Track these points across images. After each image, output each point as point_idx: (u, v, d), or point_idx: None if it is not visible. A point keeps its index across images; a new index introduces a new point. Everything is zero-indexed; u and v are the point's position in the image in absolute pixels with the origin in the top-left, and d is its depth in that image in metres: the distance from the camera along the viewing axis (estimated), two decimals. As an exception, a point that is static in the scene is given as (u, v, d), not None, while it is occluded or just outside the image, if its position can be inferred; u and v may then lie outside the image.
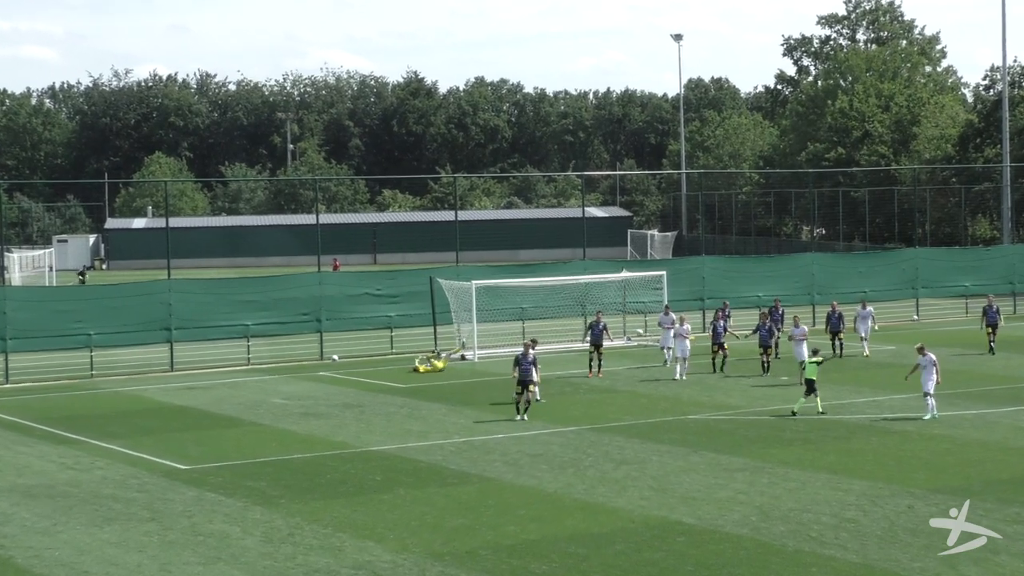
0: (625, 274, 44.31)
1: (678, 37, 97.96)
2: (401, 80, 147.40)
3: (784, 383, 32.76)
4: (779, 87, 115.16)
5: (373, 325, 42.03)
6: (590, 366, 35.22)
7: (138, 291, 39.56)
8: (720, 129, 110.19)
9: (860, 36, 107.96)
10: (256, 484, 22.14)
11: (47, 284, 69.70)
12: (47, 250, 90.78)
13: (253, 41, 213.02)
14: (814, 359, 28.38)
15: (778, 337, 35.71)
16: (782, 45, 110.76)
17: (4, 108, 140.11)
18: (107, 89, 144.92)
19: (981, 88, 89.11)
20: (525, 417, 27.81)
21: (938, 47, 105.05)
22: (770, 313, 36.80)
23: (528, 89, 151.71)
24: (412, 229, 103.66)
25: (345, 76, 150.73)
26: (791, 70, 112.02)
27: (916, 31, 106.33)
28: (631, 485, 21.52)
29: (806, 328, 33.85)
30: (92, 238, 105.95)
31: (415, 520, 19.47)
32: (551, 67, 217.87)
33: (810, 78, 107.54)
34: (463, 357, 39.02)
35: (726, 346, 35.26)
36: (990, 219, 76.03)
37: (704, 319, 44.94)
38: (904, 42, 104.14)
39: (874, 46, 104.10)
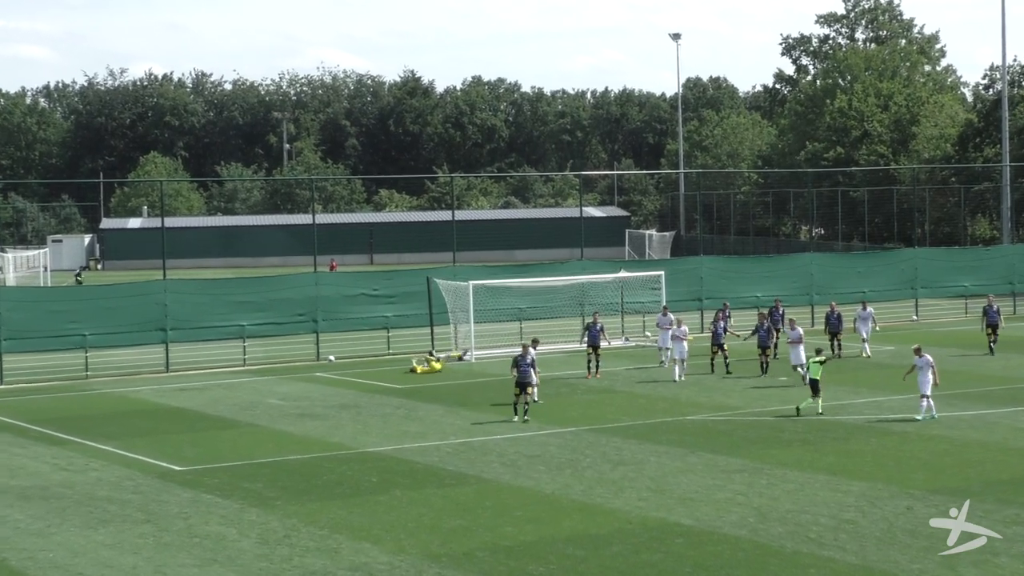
0: (623, 274, 44.21)
1: (676, 36, 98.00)
2: (398, 79, 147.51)
3: (783, 384, 32.69)
4: (778, 86, 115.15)
5: (370, 326, 41.95)
6: (588, 367, 35.13)
7: (133, 291, 39.51)
8: (718, 129, 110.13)
9: (859, 35, 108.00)
10: (252, 486, 22.09)
11: (42, 284, 69.48)
12: (42, 250, 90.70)
13: (249, 40, 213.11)
14: (818, 359, 28.33)
15: (777, 338, 35.60)
16: (781, 44, 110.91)
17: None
18: (102, 88, 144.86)
19: (980, 87, 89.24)
20: (527, 419, 27.67)
21: (937, 46, 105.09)
22: (770, 313, 36.68)
23: (525, 88, 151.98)
24: (409, 229, 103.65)
25: (342, 75, 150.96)
26: (790, 69, 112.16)
27: (915, 30, 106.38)
28: (629, 486, 21.48)
29: (802, 331, 33.73)
30: (87, 238, 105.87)
31: (412, 521, 19.43)
32: (549, 66, 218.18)
33: (809, 77, 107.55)
34: (460, 358, 38.89)
35: (726, 347, 35.12)
36: (990, 219, 75.96)
37: (703, 319, 44.91)
38: (903, 41, 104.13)
39: (873, 45, 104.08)
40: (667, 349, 35.62)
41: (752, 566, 16.84)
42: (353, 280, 43.28)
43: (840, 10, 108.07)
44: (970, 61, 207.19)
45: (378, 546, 18.10)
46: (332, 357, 40.13)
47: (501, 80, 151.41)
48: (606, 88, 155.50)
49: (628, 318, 44.66)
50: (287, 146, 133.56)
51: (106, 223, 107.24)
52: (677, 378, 33.59)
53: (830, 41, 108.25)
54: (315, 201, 67.64)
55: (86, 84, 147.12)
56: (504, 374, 34.38)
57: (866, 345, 38.08)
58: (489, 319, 41.41)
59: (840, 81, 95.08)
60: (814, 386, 27.88)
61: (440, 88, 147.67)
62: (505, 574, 16.81)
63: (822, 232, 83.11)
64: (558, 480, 22.09)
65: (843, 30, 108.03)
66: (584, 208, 76.68)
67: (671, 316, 36.17)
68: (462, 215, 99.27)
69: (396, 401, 31.58)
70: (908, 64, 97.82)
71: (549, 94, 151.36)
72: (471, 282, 40.19)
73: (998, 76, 78.21)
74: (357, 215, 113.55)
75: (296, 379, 36.08)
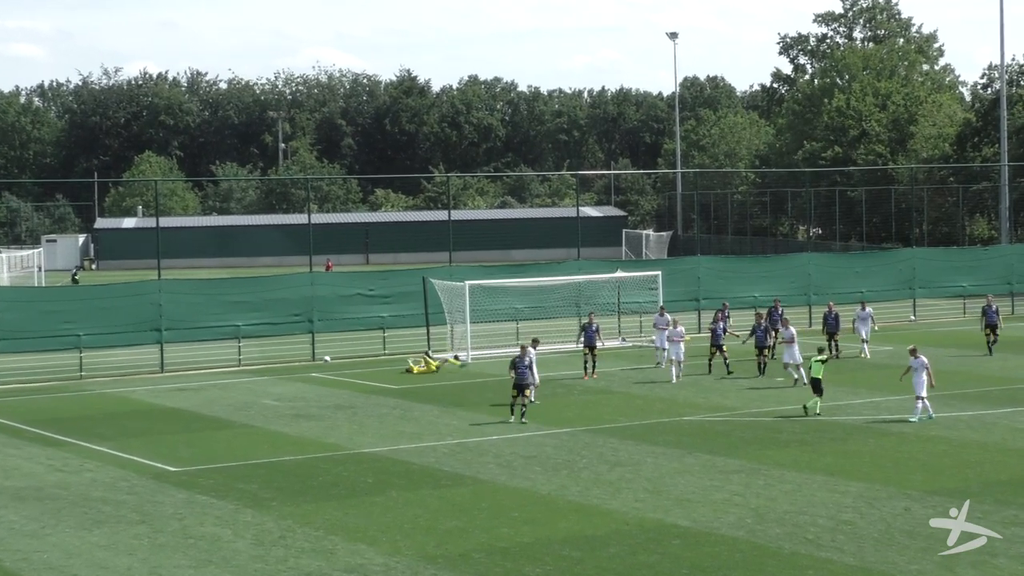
0: (620, 274, 44.13)
1: (674, 35, 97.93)
2: (394, 78, 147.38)
3: (780, 384, 32.63)
4: (775, 85, 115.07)
5: (365, 326, 41.87)
6: (584, 368, 35.04)
7: (128, 291, 39.43)
8: (716, 128, 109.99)
9: (857, 34, 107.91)
10: (247, 486, 22.04)
11: (36, 284, 69.33)
12: (36, 250, 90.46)
13: (244, 39, 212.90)
14: (819, 357, 28.30)
15: (776, 338, 35.52)
16: (778, 43, 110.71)
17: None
18: (96, 87, 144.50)
19: (979, 86, 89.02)
20: (524, 420, 27.57)
21: (936, 45, 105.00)
22: (770, 313, 36.63)
23: (522, 87, 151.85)
24: (405, 229, 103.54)
25: (337, 74, 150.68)
26: (787, 68, 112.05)
27: (913, 29, 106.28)
28: (626, 487, 21.44)
29: (795, 331, 33.64)
30: (81, 238, 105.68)
31: (408, 522, 19.39)
32: (545, 65, 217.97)
33: (806, 76, 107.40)
34: (456, 358, 38.79)
35: (725, 348, 35.02)
36: (988, 219, 75.89)
37: (700, 320, 44.87)
38: (901, 40, 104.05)
39: (871, 44, 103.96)
40: (664, 350, 35.52)
41: (750, 567, 16.80)
42: (349, 280, 43.20)
43: (838, 9, 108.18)
44: (968, 60, 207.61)
45: (374, 547, 18.05)
46: (328, 357, 40.04)
47: (497, 79, 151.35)
48: (603, 87, 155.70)
49: (625, 318, 44.58)
50: (282, 145, 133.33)
51: (100, 223, 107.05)
52: (674, 379, 33.49)
53: (828, 40, 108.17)
54: (311, 201, 67.63)
55: (80, 83, 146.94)
56: (500, 374, 34.33)
57: (865, 346, 37.97)
58: (485, 319, 41.31)
59: (838, 80, 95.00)
60: (816, 385, 27.79)
61: (436, 87, 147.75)
62: (501, 575, 16.72)
63: (820, 232, 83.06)
64: (554, 481, 22.04)
65: (841, 29, 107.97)
66: (581, 208, 76.51)
67: (668, 317, 36.09)
68: (458, 215, 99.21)
69: (392, 402, 31.51)
70: (906, 63, 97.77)
71: (546, 93, 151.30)
72: (467, 282, 40.10)
73: (996, 75, 78.18)
74: (353, 215, 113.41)
75: (292, 379, 36.02)
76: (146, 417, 30.21)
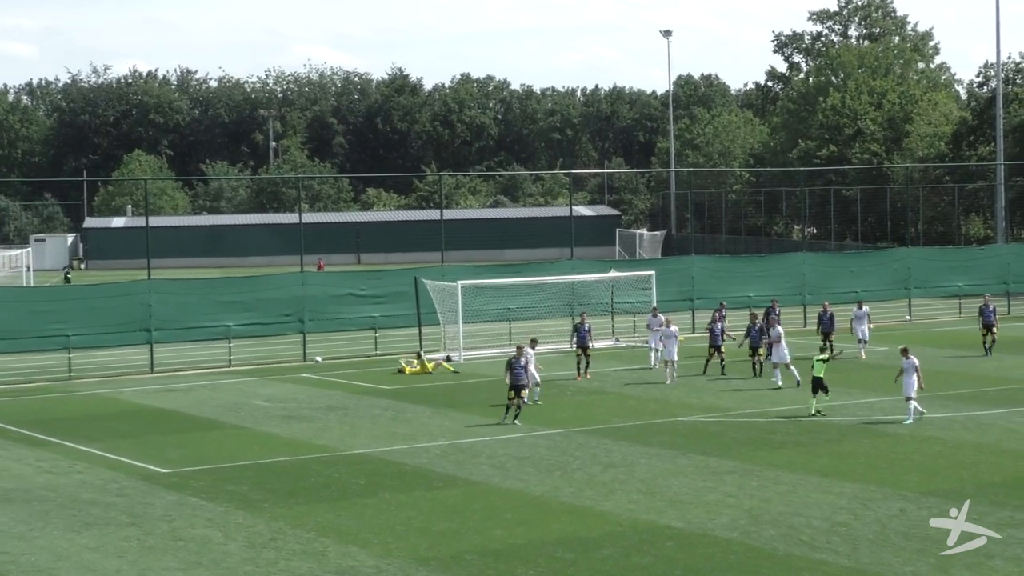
0: (613, 274, 44.03)
1: (667, 33, 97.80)
2: (386, 76, 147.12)
3: (774, 385, 32.45)
4: (770, 84, 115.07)
5: (357, 326, 41.75)
6: (577, 368, 34.92)
7: (117, 291, 39.33)
8: (710, 127, 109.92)
9: (852, 32, 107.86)
10: (238, 488, 21.96)
11: (24, 284, 69.08)
12: (24, 250, 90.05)
13: (235, 37, 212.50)
14: (821, 356, 28.29)
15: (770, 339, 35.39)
16: (773, 41, 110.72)
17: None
18: (86, 85, 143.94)
19: (975, 85, 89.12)
20: (517, 423, 27.45)
21: (931, 43, 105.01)
22: (767, 313, 36.51)
23: (515, 86, 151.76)
24: (397, 228, 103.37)
25: (328, 72, 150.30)
26: (782, 67, 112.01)
27: (909, 27, 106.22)
28: (619, 488, 21.38)
29: (782, 330, 33.55)
30: (70, 237, 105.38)
31: (400, 524, 19.31)
32: (538, 63, 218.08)
33: (801, 75, 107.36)
34: (448, 359, 38.65)
35: (723, 349, 34.90)
36: (984, 218, 75.92)
37: (694, 320, 44.79)
38: (897, 38, 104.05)
39: (866, 42, 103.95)
40: (657, 351, 35.37)
41: (744, 569, 16.76)
42: (340, 280, 43.09)
43: (833, 7, 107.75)
44: (964, 58, 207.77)
45: (365, 549, 17.98)
46: (319, 358, 39.92)
47: (490, 77, 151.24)
48: (596, 86, 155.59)
49: (618, 318, 44.49)
50: (273, 144, 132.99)
51: (90, 222, 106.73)
52: (668, 380, 33.37)
53: (823, 38, 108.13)
54: (302, 200, 67.36)
55: (69, 81, 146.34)
56: (493, 375, 34.23)
57: (861, 347, 37.74)
58: (478, 319, 41.21)
59: (833, 79, 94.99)
60: (818, 384, 27.70)
61: (428, 85, 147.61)
62: (494, 578, 16.71)
63: (814, 231, 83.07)
64: (547, 482, 21.97)
65: (836, 27, 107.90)
66: (574, 207, 76.55)
67: (661, 317, 35.97)
68: (450, 214, 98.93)
69: (384, 402, 31.41)
70: (901, 61, 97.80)
71: (539, 92, 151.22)
72: (459, 282, 40.01)
73: (992, 74, 77.94)
74: (344, 214, 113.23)
75: (283, 380, 35.89)
76: (136, 418, 30.10)
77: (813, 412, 27.92)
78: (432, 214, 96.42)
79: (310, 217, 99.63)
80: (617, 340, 42.72)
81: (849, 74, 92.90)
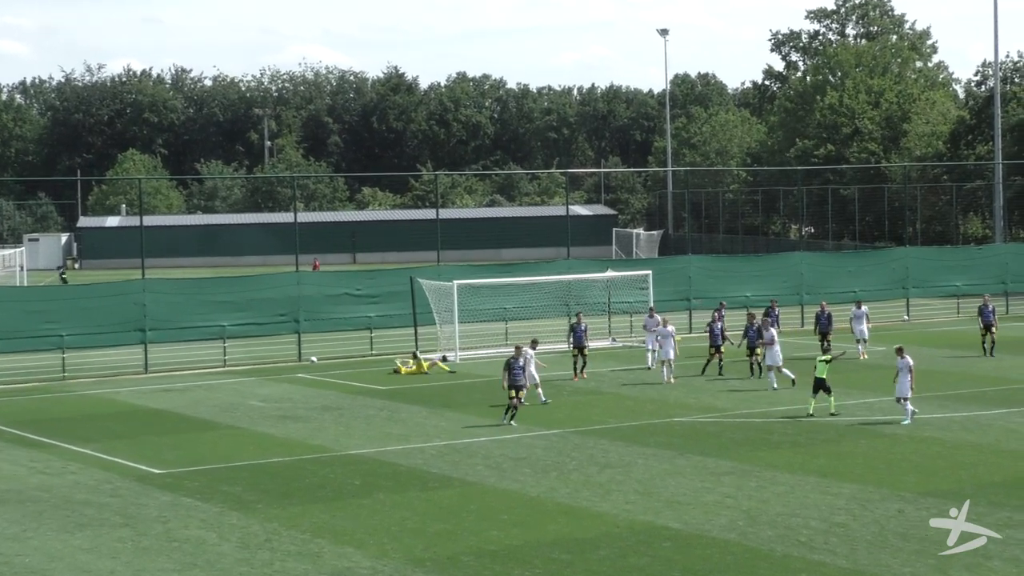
0: (610, 274, 43.93)
1: (664, 31, 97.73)
2: (381, 75, 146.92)
3: (771, 387, 32.29)
4: (767, 83, 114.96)
5: (352, 326, 41.63)
6: (574, 368, 34.81)
7: (111, 291, 39.20)
8: (707, 126, 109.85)
9: (849, 31, 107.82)
10: (232, 489, 21.91)
11: (18, 284, 68.89)
12: (18, 249, 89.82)
13: (229, 35, 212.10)
14: (824, 357, 28.25)
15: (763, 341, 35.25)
16: (770, 40, 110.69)
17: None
18: (79, 84, 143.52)
19: (973, 84, 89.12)
20: (513, 423, 27.36)
21: (929, 42, 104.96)
22: (767, 314, 36.42)
23: (511, 85, 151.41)
24: (392, 228, 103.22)
25: (324, 71, 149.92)
26: (779, 65, 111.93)
27: (906, 26, 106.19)
28: (616, 489, 21.32)
29: (775, 332, 33.41)
30: (64, 237, 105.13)
31: (395, 525, 19.26)
32: (534, 62, 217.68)
33: (799, 74, 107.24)
34: (444, 359, 38.55)
35: (723, 349, 34.78)
36: (982, 217, 75.83)
37: (691, 320, 44.72)
38: (894, 37, 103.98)
39: (864, 41, 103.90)
40: (654, 351, 35.26)
41: (741, 570, 16.73)
42: (336, 280, 42.99)
43: (830, 5, 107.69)
44: (962, 57, 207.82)
45: (361, 550, 17.93)
46: (314, 358, 39.81)
47: (486, 76, 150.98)
48: (593, 84, 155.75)
49: (615, 318, 44.40)
50: (268, 143, 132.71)
51: (84, 221, 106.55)
52: (665, 379, 33.25)
53: (820, 37, 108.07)
54: (297, 199, 67.32)
55: (63, 80, 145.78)
56: (488, 375, 34.17)
57: (860, 347, 37.57)
58: (474, 319, 41.12)
59: (830, 78, 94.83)
60: (820, 385, 27.62)
61: (424, 84, 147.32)
62: (490, 580, 16.66)
63: (812, 231, 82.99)
64: (544, 483, 21.91)
65: (833, 26, 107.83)
66: (570, 206, 76.46)
67: (658, 317, 35.81)
68: (446, 213, 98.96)
69: (379, 403, 31.34)
70: (899, 60, 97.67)
71: (535, 90, 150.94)
72: (455, 282, 39.91)
73: (990, 72, 77.94)
74: (340, 213, 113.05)
75: (277, 380, 35.81)
76: (130, 418, 30.01)
77: (810, 412, 27.80)
78: (428, 213, 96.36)
79: (305, 216, 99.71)
80: (614, 340, 42.62)
81: (847, 73, 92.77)
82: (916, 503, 19.85)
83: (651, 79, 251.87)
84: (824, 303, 38.97)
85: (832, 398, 27.89)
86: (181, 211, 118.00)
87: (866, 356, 37.32)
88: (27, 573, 17.22)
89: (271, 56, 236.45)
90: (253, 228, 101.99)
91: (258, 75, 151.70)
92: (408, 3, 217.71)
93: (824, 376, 27.68)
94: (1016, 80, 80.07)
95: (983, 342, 37.68)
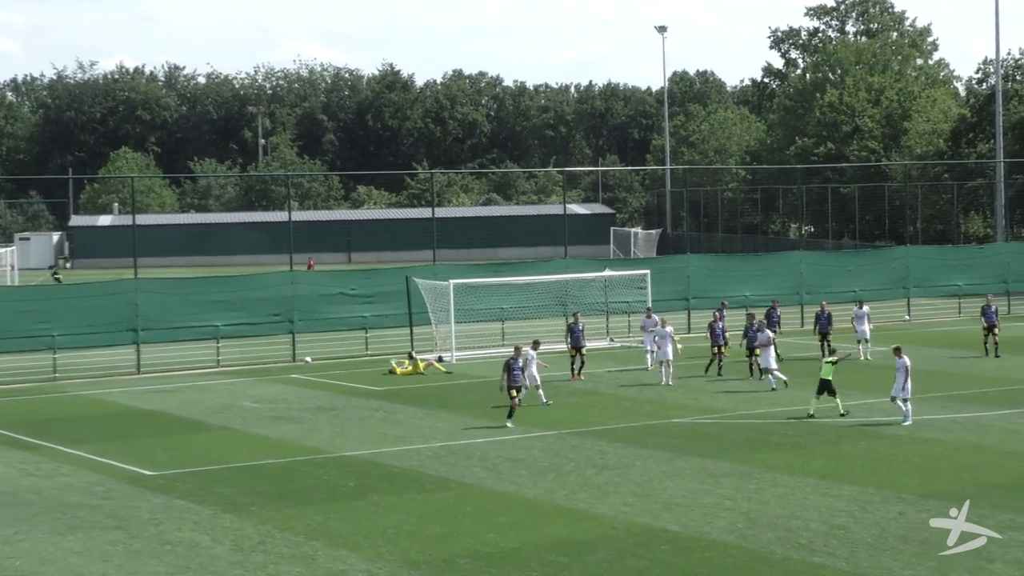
0: (608, 273, 43.80)
1: (662, 29, 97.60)
2: (376, 73, 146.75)
3: (770, 387, 32.14)
4: (766, 80, 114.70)
5: (347, 326, 41.53)
6: (572, 369, 34.63)
7: (103, 291, 39.14)
8: (705, 124, 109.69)
9: (849, 28, 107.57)
10: (226, 491, 21.84)
11: (9, 284, 68.73)
12: (8, 248, 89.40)
13: (223, 32, 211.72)
14: (830, 359, 28.10)
15: (773, 340, 35.01)
16: (769, 37, 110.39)
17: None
18: (71, 82, 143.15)
19: (974, 82, 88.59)
20: (509, 424, 27.19)
21: (929, 39, 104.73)
22: (768, 314, 36.21)
23: (508, 82, 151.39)
24: (388, 227, 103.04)
25: (318, 69, 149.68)
26: (779, 63, 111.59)
27: (907, 23, 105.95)
28: (614, 491, 21.24)
29: (771, 334, 33.27)
30: (56, 236, 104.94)
31: (391, 528, 19.19)
32: (531, 60, 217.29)
33: (798, 71, 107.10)
34: (440, 359, 38.37)
35: (723, 349, 34.59)
36: (983, 216, 75.67)
37: (690, 320, 44.61)
38: (895, 34, 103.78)
39: (864, 38, 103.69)
40: (652, 352, 35.06)
41: (741, 573, 16.67)
42: (330, 279, 42.88)
43: (830, 2, 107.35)
44: (963, 55, 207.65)
45: (356, 553, 17.85)
46: (309, 358, 39.67)
47: (483, 74, 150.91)
48: (590, 82, 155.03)
49: (613, 318, 44.27)
50: (262, 141, 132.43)
51: (75, 220, 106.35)
52: (664, 381, 33.05)
53: (820, 34, 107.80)
54: (291, 198, 67.07)
55: (55, 77, 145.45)
56: (485, 375, 34.04)
57: (861, 348, 37.32)
58: (470, 319, 41.00)
59: (830, 75, 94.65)
60: (825, 387, 27.46)
61: (420, 82, 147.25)
62: (486, 583, 16.59)
63: (812, 230, 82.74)
64: (541, 485, 21.83)
65: (833, 23, 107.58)
66: (568, 205, 76.18)
67: (655, 317, 35.66)
68: (442, 212, 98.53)
69: (374, 403, 31.24)
70: (900, 58, 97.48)
71: (532, 88, 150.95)
72: (451, 281, 39.78)
73: (992, 70, 77.61)
74: (334, 212, 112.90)
75: (271, 381, 35.69)
76: (122, 419, 29.91)
77: (811, 413, 27.64)
78: (424, 212, 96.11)
79: (300, 215, 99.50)
80: (612, 340, 42.47)
81: (847, 70, 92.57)
82: (917, 505, 19.76)
83: (649, 77, 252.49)
84: (824, 303, 38.78)
85: (838, 399, 27.74)
86: (174, 210, 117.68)
87: (869, 356, 37.08)
88: (18, 576, 17.15)
89: (265, 53, 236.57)
90: (247, 227, 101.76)
91: (252, 72, 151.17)
92: (404, 0, 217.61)
93: (830, 378, 27.52)
94: (1018, 77, 79.75)
95: (985, 342, 37.51)
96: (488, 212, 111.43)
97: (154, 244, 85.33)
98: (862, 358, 37.01)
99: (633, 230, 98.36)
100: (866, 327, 37.62)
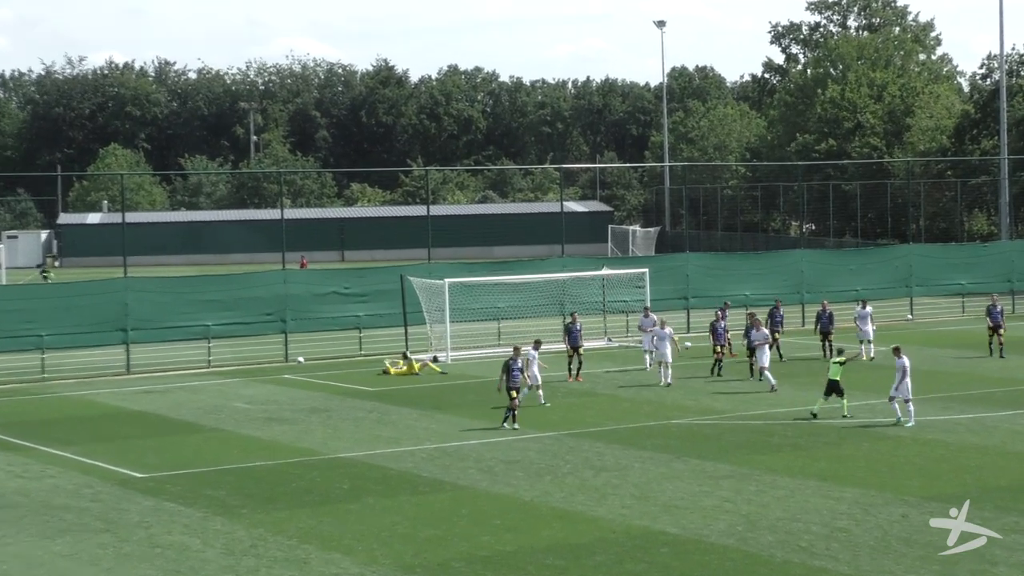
0: (606, 272, 43.66)
1: (661, 23, 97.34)
2: (370, 68, 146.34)
3: (769, 387, 31.94)
4: (767, 76, 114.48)
5: (341, 325, 41.36)
6: (569, 369, 34.43)
7: (93, 290, 39.10)
8: (705, 120, 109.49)
9: (851, 22, 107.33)
10: (217, 493, 21.77)
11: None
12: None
13: (214, 27, 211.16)
14: (837, 359, 27.98)
15: (776, 340, 34.96)
16: (770, 32, 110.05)
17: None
18: (60, 77, 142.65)
19: (978, 77, 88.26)
20: (516, 426, 27.01)
21: (933, 34, 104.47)
22: (771, 314, 36.01)
23: (504, 78, 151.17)
24: (382, 225, 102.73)
25: (311, 64, 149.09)
26: (779, 58, 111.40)
27: (910, 17, 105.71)
28: (612, 493, 21.18)
29: (767, 332, 33.09)
30: (44, 234, 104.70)
31: (385, 530, 19.13)
32: (528, 54, 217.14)
33: (799, 66, 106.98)
34: (435, 360, 38.12)
35: (724, 352, 34.39)
36: (987, 214, 75.41)
37: (689, 319, 44.47)
38: (897, 29, 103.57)
39: (866, 33, 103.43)
40: (651, 352, 34.81)
41: (741, 576, 16.59)
42: (323, 278, 42.72)
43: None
44: (966, 50, 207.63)
45: (349, 556, 17.80)
46: (301, 358, 39.49)
47: (478, 69, 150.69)
48: (588, 77, 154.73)
49: (611, 318, 44.11)
50: (254, 138, 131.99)
51: (64, 218, 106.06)
52: (663, 381, 32.80)
53: (821, 29, 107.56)
54: (284, 195, 66.95)
55: (43, 73, 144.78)
56: (481, 376, 33.90)
57: (863, 348, 37.04)
58: (466, 319, 40.89)
59: (832, 71, 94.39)
60: (834, 388, 27.27)
61: (414, 78, 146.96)
62: (482, 587, 16.55)
63: (813, 228, 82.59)
64: (537, 487, 21.75)
65: (835, 17, 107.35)
66: (565, 203, 76.06)
67: (653, 317, 35.46)
68: (437, 210, 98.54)
69: (368, 404, 31.15)
70: (902, 53, 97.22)
71: (528, 84, 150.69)
72: (447, 280, 39.67)
73: (996, 65, 77.61)
74: (328, 210, 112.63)
75: (263, 381, 35.59)
76: (111, 421, 29.82)
77: (815, 412, 27.47)
78: (418, 210, 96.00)
79: (292, 213, 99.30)
80: (610, 340, 42.27)
81: (848, 66, 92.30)
82: (920, 507, 19.67)
83: (648, 72, 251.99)
84: (825, 302, 38.57)
85: (845, 400, 27.59)
86: (164, 207, 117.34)
87: (873, 356, 36.86)
88: (5, 581, 17.16)
89: (257, 48, 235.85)
90: (238, 225, 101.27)
91: (244, 68, 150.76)
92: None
93: (838, 378, 27.37)
94: (1022, 73, 79.45)
95: (990, 342, 37.29)
96: (484, 210, 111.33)
97: (144, 242, 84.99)
98: (865, 358, 36.79)
99: (631, 228, 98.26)
100: (869, 327, 37.38)
